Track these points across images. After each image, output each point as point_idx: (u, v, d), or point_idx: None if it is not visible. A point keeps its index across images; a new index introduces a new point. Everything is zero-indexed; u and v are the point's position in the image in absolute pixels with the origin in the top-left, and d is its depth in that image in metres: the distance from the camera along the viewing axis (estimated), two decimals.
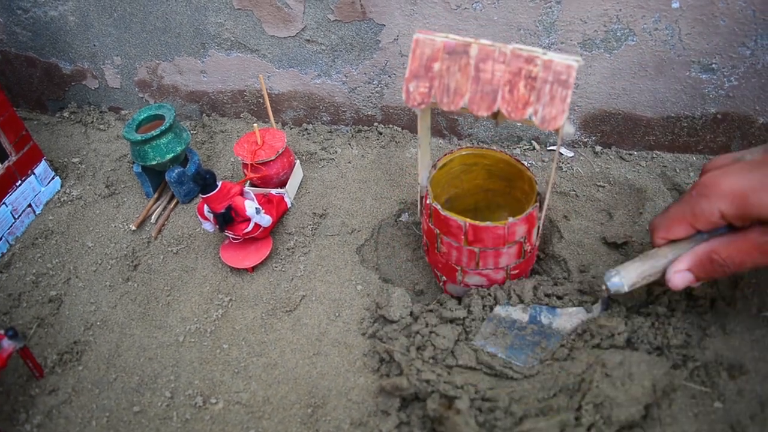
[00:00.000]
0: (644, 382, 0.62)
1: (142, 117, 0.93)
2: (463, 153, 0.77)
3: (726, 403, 0.64)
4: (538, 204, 0.70)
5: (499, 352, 0.70)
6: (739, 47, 0.84)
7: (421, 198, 0.76)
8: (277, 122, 1.11)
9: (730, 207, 0.58)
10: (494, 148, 0.77)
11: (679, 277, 0.63)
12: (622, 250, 0.81)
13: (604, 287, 0.67)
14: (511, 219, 0.67)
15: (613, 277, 0.65)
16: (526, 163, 0.86)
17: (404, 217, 0.90)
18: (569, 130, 0.58)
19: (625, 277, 0.65)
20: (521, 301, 0.73)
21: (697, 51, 0.86)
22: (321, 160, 1.02)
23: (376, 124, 1.07)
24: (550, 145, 1.01)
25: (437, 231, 0.71)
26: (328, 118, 1.10)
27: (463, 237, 0.68)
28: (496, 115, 0.59)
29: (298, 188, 0.96)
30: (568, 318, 0.71)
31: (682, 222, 0.62)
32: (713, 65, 0.87)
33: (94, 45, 1.09)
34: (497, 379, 0.67)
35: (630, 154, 0.98)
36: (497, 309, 0.73)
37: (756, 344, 0.67)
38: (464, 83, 0.59)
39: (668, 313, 0.70)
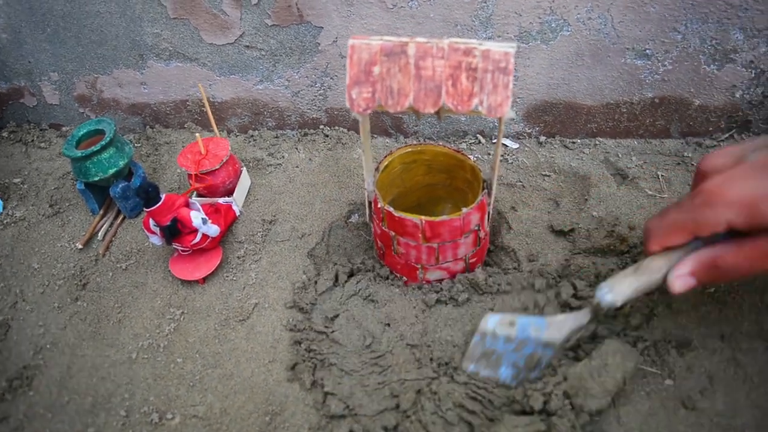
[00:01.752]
0: (617, 375, 0.62)
1: (82, 133, 0.91)
2: (402, 152, 0.77)
3: (676, 380, 0.65)
4: (486, 190, 0.71)
5: (492, 374, 0.67)
6: (670, 32, 0.86)
7: (370, 203, 0.76)
8: (222, 130, 1.10)
9: (739, 216, 0.54)
10: (436, 143, 0.77)
11: (681, 282, 0.59)
12: (570, 237, 0.82)
13: (596, 302, 0.62)
14: (465, 209, 0.67)
15: (605, 295, 0.61)
16: (471, 156, 0.87)
17: (354, 218, 0.90)
18: (510, 115, 0.59)
19: (619, 294, 0.61)
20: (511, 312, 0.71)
21: (631, 38, 0.88)
22: (268, 165, 1.01)
23: (321, 126, 1.07)
24: (494, 139, 1.02)
25: (392, 233, 0.71)
26: (274, 124, 1.09)
27: (420, 235, 0.69)
28: (438, 111, 0.60)
29: (246, 195, 0.96)
30: (557, 327, 0.65)
31: (682, 231, 0.59)
32: (647, 51, 0.89)
33: (29, 62, 1.06)
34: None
35: (573, 143, 1.00)
36: (482, 324, 0.67)
37: (702, 320, 0.69)
38: (407, 83, 0.59)
39: None
